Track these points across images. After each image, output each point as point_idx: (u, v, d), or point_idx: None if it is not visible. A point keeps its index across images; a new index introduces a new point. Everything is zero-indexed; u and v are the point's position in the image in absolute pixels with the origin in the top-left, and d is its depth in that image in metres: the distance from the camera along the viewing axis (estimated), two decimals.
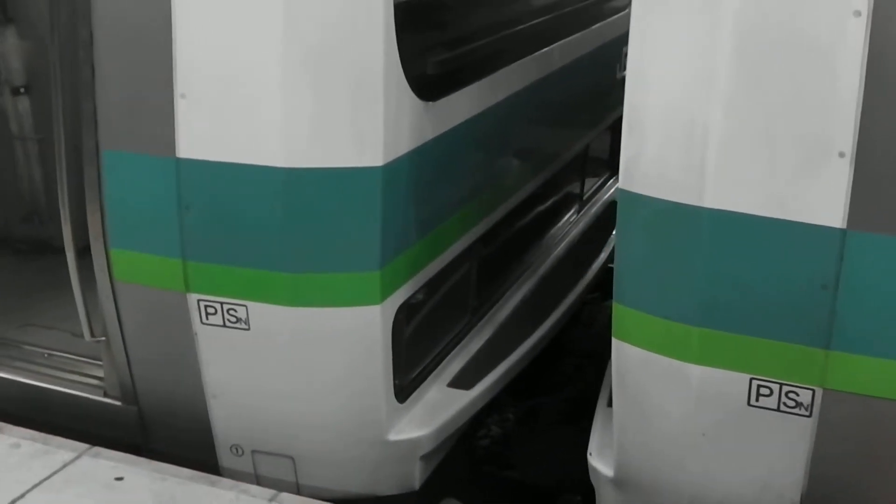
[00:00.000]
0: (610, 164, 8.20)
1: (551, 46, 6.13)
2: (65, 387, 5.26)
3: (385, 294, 4.54)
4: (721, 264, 3.87)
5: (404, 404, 4.91)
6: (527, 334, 5.88)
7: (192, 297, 4.56)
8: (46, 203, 6.80)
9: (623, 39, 4.12)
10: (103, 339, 4.96)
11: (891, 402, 3.80)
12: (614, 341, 4.27)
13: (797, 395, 3.89)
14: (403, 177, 4.53)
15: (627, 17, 3.99)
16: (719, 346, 3.94)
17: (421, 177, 4.69)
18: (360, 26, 4.23)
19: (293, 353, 4.56)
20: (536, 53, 5.90)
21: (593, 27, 6.88)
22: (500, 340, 5.76)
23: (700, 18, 3.71)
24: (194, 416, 4.83)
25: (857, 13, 3.46)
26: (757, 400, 3.95)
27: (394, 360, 4.69)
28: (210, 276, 4.51)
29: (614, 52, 7.10)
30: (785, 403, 3.91)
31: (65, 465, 4.65)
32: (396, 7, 4.25)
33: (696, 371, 4.00)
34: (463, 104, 4.99)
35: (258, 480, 4.87)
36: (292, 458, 4.81)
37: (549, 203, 7.00)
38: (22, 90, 6.61)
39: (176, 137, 4.35)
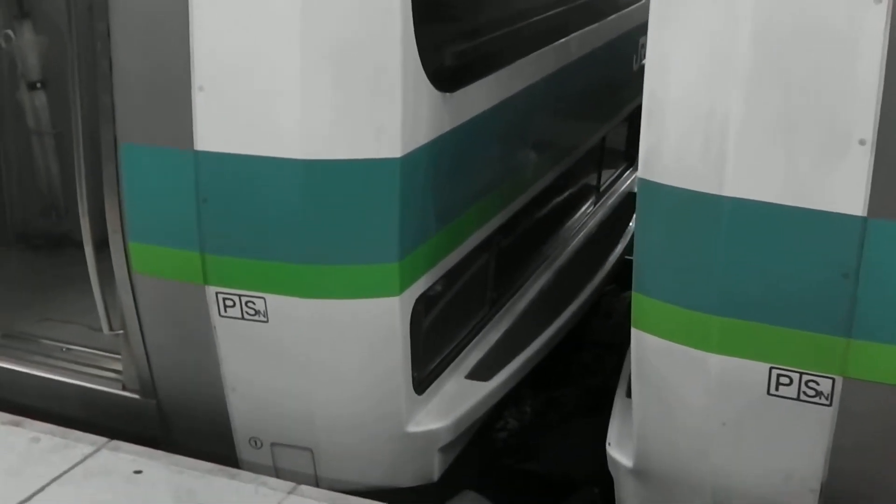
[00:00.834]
0: (627, 156, 8.20)
1: (568, 37, 6.11)
2: (83, 380, 5.27)
3: (404, 286, 4.54)
4: (741, 253, 3.85)
5: (422, 396, 4.91)
6: (545, 326, 5.87)
7: (211, 290, 4.57)
8: (64, 197, 6.79)
9: (640, 30, 4.11)
10: (122, 332, 4.96)
11: None
12: (634, 331, 4.26)
13: (817, 384, 3.87)
14: (421, 168, 4.53)
15: (645, 8, 3.98)
16: (739, 335, 3.92)
17: (439, 168, 4.69)
18: (378, 18, 4.23)
19: (312, 346, 4.56)
20: (554, 44, 5.89)
21: (610, 17, 6.86)
22: (518, 332, 5.76)
23: (720, 6, 3.69)
24: (213, 409, 4.84)
25: (878, 0, 3.44)
26: (777, 389, 3.93)
27: (412, 351, 4.69)
28: (228, 269, 4.52)
29: (632, 43, 7.09)
30: (805, 392, 3.90)
31: (84, 459, 4.66)
32: None
33: (715, 360, 3.99)
34: (480, 95, 4.99)
35: (277, 473, 4.87)
36: (311, 451, 4.81)
37: (566, 194, 6.99)
38: (38, 85, 6.61)
39: (194, 130, 4.36)
